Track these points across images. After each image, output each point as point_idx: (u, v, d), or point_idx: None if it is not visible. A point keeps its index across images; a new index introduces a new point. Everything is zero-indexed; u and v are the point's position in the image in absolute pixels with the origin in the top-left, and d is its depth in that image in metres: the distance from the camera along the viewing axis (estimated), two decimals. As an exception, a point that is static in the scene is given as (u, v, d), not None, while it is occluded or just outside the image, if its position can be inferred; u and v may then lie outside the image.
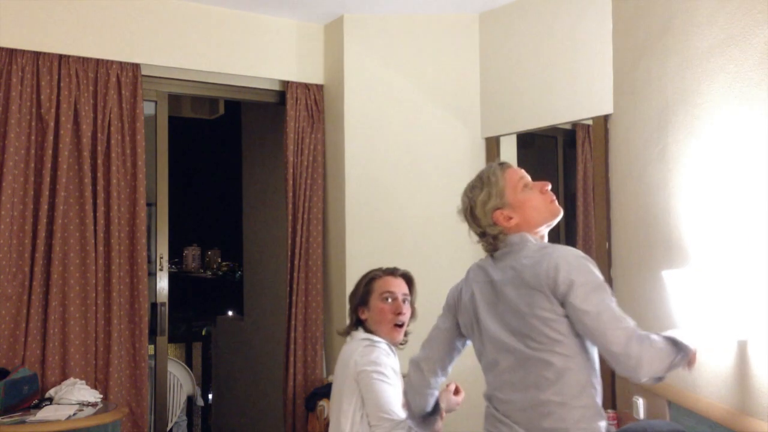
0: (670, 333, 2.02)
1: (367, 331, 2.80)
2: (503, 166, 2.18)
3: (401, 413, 2.50)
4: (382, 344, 2.72)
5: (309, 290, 4.24)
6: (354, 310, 2.89)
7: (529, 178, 2.19)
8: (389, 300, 2.81)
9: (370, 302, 2.83)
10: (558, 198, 2.22)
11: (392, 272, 2.89)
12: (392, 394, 2.56)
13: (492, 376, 2.11)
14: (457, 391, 2.66)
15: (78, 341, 3.58)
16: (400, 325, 2.80)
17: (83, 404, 3.29)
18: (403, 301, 2.82)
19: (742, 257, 2.25)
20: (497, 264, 2.12)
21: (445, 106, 4.24)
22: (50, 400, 3.32)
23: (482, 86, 4.22)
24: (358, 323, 2.86)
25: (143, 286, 3.77)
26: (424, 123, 4.23)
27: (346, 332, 2.92)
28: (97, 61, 3.73)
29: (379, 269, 2.93)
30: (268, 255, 5.36)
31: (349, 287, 4.10)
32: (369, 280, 2.89)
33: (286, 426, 4.19)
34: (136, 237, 3.77)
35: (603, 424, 2.00)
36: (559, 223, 2.41)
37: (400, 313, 2.79)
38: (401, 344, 2.82)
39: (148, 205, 3.91)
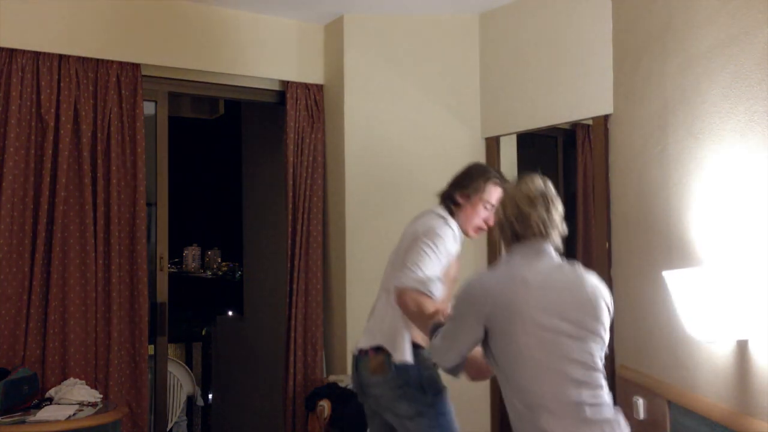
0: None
1: (449, 211, 2.82)
2: None
3: (423, 275, 2.53)
4: (454, 227, 2.75)
5: (309, 290, 4.24)
6: (455, 191, 2.83)
7: None
8: (488, 208, 2.81)
9: (472, 198, 2.81)
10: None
11: (502, 183, 2.83)
12: (430, 262, 2.58)
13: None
14: None
15: (78, 341, 3.58)
16: (481, 230, 2.88)
17: (83, 404, 3.29)
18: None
19: (743, 257, 2.25)
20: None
21: (445, 106, 4.24)
22: (50, 400, 3.32)
23: (482, 86, 4.22)
24: (448, 201, 2.84)
25: (143, 286, 3.77)
26: (424, 123, 4.23)
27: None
28: (97, 61, 3.73)
29: (495, 173, 2.87)
30: (268, 255, 5.36)
31: (350, 287, 4.14)
32: (486, 180, 2.82)
33: (286, 426, 4.19)
34: (136, 237, 3.77)
35: None
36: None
37: (489, 225, 2.83)
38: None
39: (148, 205, 3.91)
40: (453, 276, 2.81)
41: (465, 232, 2.84)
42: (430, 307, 2.45)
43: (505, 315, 2.04)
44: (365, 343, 2.79)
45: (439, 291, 2.57)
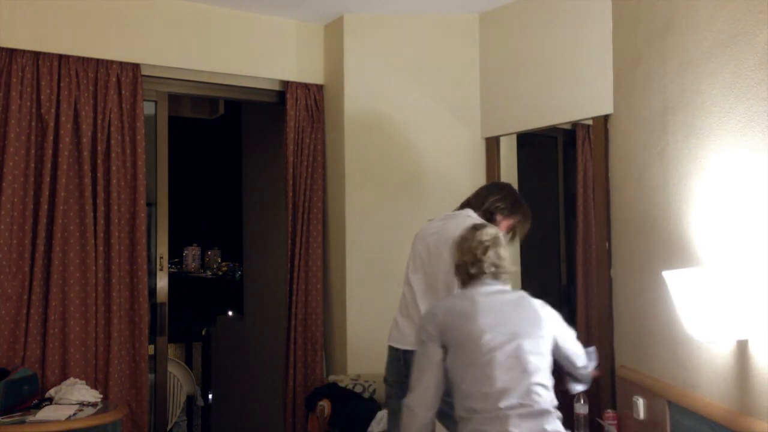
0: None
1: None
2: None
3: None
4: None
5: (309, 290, 4.24)
6: (499, 213, 3.10)
7: None
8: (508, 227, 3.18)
9: (506, 221, 3.13)
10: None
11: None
12: None
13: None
14: None
15: (78, 341, 3.58)
16: None
17: (83, 404, 3.29)
18: None
19: (742, 257, 2.25)
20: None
21: (445, 107, 4.24)
22: (50, 400, 3.32)
23: (482, 86, 4.22)
24: (487, 215, 3.09)
25: (143, 286, 3.77)
26: (424, 123, 4.23)
27: (472, 205, 3.13)
28: (97, 61, 3.73)
29: (527, 207, 3.20)
30: (268, 255, 5.36)
31: (349, 287, 4.14)
32: (522, 214, 3.15)
33: (286, 426, 4.19)
34: (136, 237, 3.77)
35: None
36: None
37: None
38: None
39: (148, 205, 3.91)
40: None
41: None
42: None
43: (460, 324, 2.37)
44: None
45: None
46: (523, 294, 2.51)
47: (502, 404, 2.25)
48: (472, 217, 3.08)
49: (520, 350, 2.32)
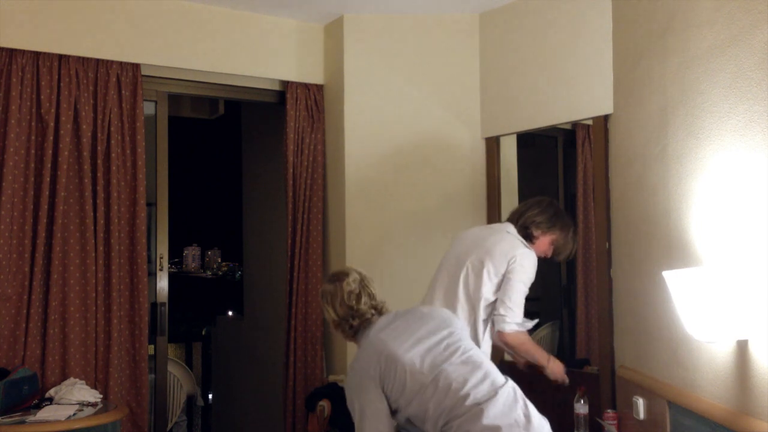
0: None
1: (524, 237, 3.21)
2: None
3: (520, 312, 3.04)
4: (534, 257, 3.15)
5: (309, 290, 4.24)
6: (536, 228, 3.20)
7: None
8: (548, 252, 3.25)
9: (546, 236, 3.22)
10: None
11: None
12: (522, 297, 3.07)
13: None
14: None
15: (78, 341, 3.58)
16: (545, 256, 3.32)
17: (83, 404, 3.30)
18: None
19: (742, 257, 2.25)
20: None
21: (445, 106, 4.25)
22: (50, 400, 3.32)
23: (482, 86, 4.22)
24: (523, 231, 3.20)
25: (143, 286, 3.77)
26: (424, 123, 4.23)
27: (511, 220, 3.26)
28: (97, 61, 3.73)
29: (569, 221, 3.29)
30: (268, 255, 5.36)
31: (349, 287, 4.13)
32: (561, 228, 3.23)
33: (286, 426, 4.19)
34: (136, 237, 3.77)
35: None
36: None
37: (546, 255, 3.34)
38: None
39: (148, 205, 3.91)
40: None
41: None
42: (531, 346, 3.10)
43: (387, 366, 2.30)
44: None
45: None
46: (413, 309, 2.53)
47: (471, 401, 2.23)
48: (510, 233, 3.16)
49: (453, 350, 2.33)
